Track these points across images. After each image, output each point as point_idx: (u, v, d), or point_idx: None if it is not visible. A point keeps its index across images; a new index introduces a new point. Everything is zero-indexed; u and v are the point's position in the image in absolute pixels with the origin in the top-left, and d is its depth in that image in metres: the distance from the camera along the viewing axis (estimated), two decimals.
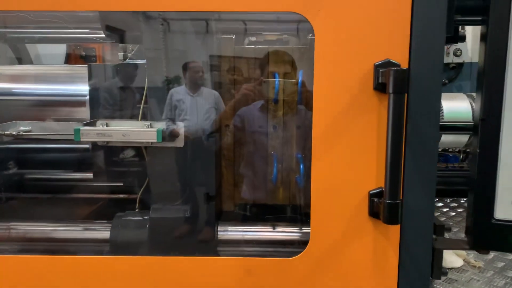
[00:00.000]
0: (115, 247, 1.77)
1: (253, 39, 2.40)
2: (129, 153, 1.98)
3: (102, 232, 1.83)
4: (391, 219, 1.25)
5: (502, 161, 1.27)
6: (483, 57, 1.27)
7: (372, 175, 1.35)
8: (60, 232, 1.84)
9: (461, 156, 4.37)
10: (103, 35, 1.76)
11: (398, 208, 1.24)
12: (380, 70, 1.28)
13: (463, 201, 4.00)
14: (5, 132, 1.86)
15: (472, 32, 4.54)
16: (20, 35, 2.08)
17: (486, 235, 1.32)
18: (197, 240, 1.76)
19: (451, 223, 3.51)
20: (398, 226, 1.33)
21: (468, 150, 3.87)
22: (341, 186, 1.36)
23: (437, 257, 1.36)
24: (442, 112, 2.85)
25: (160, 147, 1.71)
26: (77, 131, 1.66)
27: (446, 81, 5.23)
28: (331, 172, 1.36)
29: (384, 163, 1.29)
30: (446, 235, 1.48)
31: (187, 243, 1.75)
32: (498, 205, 1.29)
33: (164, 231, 1.73)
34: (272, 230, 1.83)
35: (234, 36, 1.87)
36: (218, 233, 1.79)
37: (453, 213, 3.80)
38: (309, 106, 1.81)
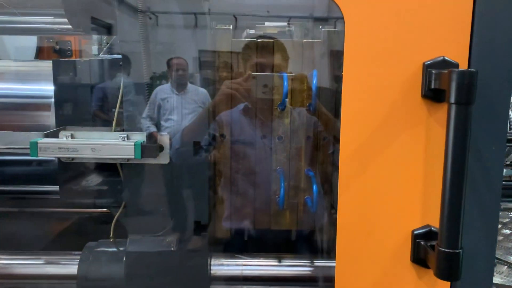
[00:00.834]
0: (84, 286, 1.43)
1: (252, 31, 2.07)
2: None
3: (67, 266, 1.48)
4: (449, 274, 0.93)
5: None
6: None
7: (416, 209, 1.03)
8: (15, 267, 1.49)
9: None
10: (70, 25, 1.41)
11: (459, 259, 0.91)
12: (433, 72, 0.96)
13: None
14: None
15: None
16: None
17: None
18: (185, 278, 1.42)
19: None
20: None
21: None
22: (375, 221, 1.04)
23: None
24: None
25: (139, 164, 1.37)
26: (34, 145, 1.31)
27: None
28: (363, 203, 1.03)
29: (434, 195, 0.98)
30: None
31: (173, 282, 1.41)
32: None
33: (143, 268, 1.39)
34: (277, 263, 1.51)
35: (230, 27, 1.54)
36: (211, 268, 1.46)
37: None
38: (321, 113, 1.49)
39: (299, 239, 1.69)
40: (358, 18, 0.97)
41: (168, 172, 1.39)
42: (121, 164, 1.42)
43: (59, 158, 1.57)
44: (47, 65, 1.67)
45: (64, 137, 1.34)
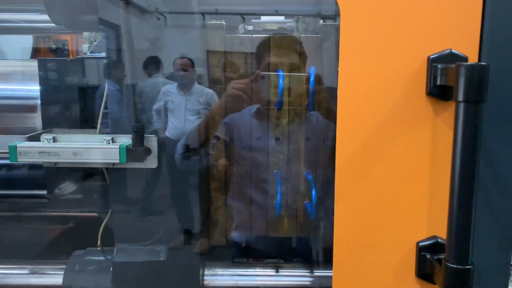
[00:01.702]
0: None
1: (250, 27, 1.98)
2: None
3: (53, 276, 1.41)
4: None
5: None
6: None
7: (422, 218, 0.93)
8: None
9: None
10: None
11: (470, 276, 0.81)
12: (439, 66, 0.86)
13: None
14: None
15: None
16: None
17: None
18: None
19: None
20: None
21: None
22: (376, 232, 0.94)
23: None
24: None
25: (125, 168, 1.29)
26: (13, 150, 1.23)
27: None
28: (362, 212, 0.94)
29: (441, 203, 0.88)
30: None
31: None
32: None
33: (130, 279, 1.31)
34: (274, 273, 1.41)
35: (224, 23, 1.44)
36: (205, 278, 1.37)
37: None
38: (322, 111, 1.39)
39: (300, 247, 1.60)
40: (354, 7, 0.88)
41: (156, 176, 1.30)
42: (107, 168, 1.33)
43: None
44: (34, 65, 1.60)
45: (45, 141, 1.26)
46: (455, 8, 0.87)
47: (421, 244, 0.93)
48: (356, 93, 0.90)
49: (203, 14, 1.44)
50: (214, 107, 1.44)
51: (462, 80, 0.78)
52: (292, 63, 1.39)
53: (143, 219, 1.31)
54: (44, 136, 1.27)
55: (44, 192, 1.65)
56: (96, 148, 1.22)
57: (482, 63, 0.78)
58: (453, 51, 0.86)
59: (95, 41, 1.59)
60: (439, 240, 0.92)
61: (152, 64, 1.38)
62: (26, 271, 1.43)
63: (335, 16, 1.46)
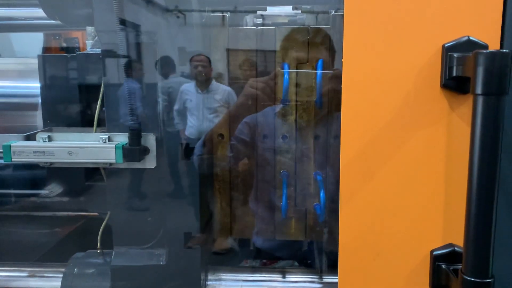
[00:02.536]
0: None
1: (259, 21, 1.90)
2: None
3: (52, 280, 1.36)
4: None
5: None
6: None
7: (436, 224, 0.84)
8: None
9: None
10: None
11: None
12: (455, 55, 0.77)
13: None
14: None
15: None
16: None
17: None
18: None
19: None
20: None
21: None
22: (385, 239, 0.86)
23: None
24: None
25: (123, 168, 1.23)
26: (7, 149, 1.18)
27: None
28: (370, 217, 0.86)
29: (458, 207, 0.79)
30: None
31: None
32: None
33: (130, 284, 1.25)
34: (281, 279, 1.34)
35: (228, 15, 1.37)
36: (208, 284, 1.31)
37: None
38: (332, 107, 1.30)
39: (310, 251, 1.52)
40: None
41: (155, 177, 1.24)
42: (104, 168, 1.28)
43: None
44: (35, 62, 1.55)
45: (40, 140, 1.21)
46: None
47: (435, 252, 0.84)
48: (362, 87, 0.82)
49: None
50: (232, 107, 1.38)
51: (481, 70, 0.69)
52: (317, 58, 1.30)
53: (143, 221, 1.25)
54: (40, 135, 1.22)
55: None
56: (92, 147, 1.16)
57: (504, 51, 0.68)
58: (471, 38, 0.77)
59: (95, 36, 1.54)
60: (456, 248, 0.83)
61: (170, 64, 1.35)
62: (25, 274, 1.39)
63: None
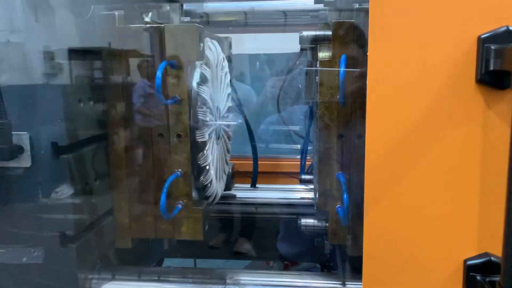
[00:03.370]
0: None
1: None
2: None
3: None
4: None
5: None
6: None
7: (471, 231, 0.77)
8: None
9: None
10: None
11: None
12: (493, 47, 0.70)
13: None
14: None
15: None
16: None
17: None
18: None
19: None
20: None
21: None
22: (414, 247, 0.80)
23: None
24: None
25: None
26: None
27: None
28: (397, 223, 0.79)
29: (494, 212, 0.72)
30: None
31: None
32: None
33: (5, 283, 1.20)
34: (303, 283, 1.28)
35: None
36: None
37: None
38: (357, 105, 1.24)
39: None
40: None
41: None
42: None
43: None
44: None
45: None
46: None
47: (469, 262, 0.77)
48: (389, 82, 0.76)
49: None
50: (254, 105, 1.34)
51: None
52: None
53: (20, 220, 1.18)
54: None
55: None
56: None
57: None
58: (510, 28, 0.70)
59: None
60: (493, 258, 0.76)
61: None
62: None
63: None
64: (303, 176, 1.89)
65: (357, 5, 1.34)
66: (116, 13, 1.20)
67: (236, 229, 2.42)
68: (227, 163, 1.64)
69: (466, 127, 0.75)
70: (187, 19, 1.63)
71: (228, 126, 1.59)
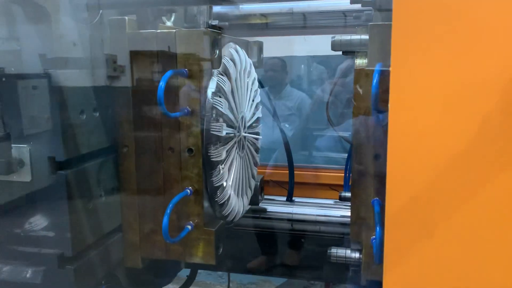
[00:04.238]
0: None
1: None
2: None
3: None
4: None
5: None
6: None
7: None
8: None
9: None
10: None
11: None
12: None
13: None
14: None
15: None
16: None
17: None
18: None
19: None
20: None
21: None
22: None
23: None
24: None
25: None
26: None
27: None
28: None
29: None
30: None
31: None
32: None
33: None
34: None
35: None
36: None
37: None
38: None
39: None
40: None
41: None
42: None
43: None
44: None
45: None
46: None
47: None
48: (419, 105, 0.58)
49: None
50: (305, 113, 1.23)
51: None
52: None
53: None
54: None
55: None
56: None
57: None
58: None
59: None
60: None
61: None
62: None
63: None
64: (343, 194, 1.69)
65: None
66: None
67: (275, 249, 2.27)
68: (253, 177, 1.50)
69: None
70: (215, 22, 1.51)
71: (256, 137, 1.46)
